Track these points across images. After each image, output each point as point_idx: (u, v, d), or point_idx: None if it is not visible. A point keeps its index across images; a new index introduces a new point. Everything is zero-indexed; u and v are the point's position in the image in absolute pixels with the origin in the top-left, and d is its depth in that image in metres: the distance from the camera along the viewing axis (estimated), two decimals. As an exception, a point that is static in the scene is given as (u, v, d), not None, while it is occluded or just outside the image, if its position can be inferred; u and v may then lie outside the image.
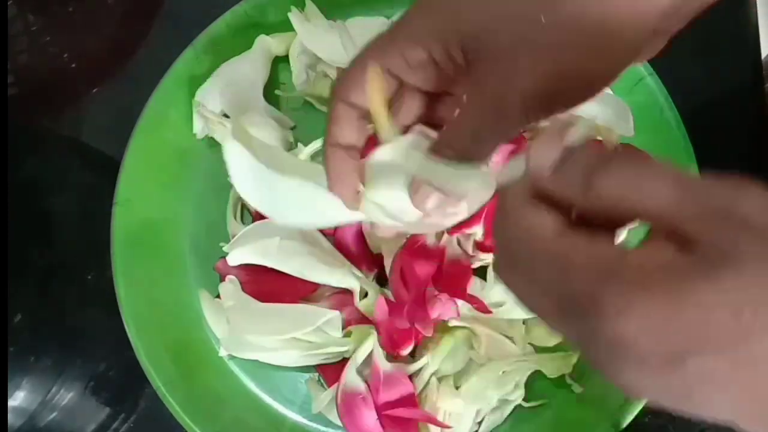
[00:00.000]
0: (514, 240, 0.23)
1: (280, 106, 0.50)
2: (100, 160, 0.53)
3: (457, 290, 0.42)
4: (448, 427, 0.43)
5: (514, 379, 0.44)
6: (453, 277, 0.43)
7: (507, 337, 0.45)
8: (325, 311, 0.43)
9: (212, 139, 0.48)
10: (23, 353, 0.48)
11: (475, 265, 0.44)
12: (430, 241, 0.44)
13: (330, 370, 0.45)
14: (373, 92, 0.30)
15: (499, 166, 0.34)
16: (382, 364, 0.43)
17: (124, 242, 0.46)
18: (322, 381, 0.46)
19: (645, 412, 0.42)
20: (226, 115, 0.48)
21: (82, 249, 0.51)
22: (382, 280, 0.45)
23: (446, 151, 0.30)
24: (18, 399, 0.47)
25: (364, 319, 0.44)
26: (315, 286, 0.45)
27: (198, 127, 0.48)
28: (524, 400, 0.45)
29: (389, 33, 0.30)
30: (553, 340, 0.45)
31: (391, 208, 0.33)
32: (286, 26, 0.48)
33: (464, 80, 0.30)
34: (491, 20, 0.28)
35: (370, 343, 0.43)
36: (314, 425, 0.46)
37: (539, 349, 0.46)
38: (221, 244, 0.45)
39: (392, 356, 0.44)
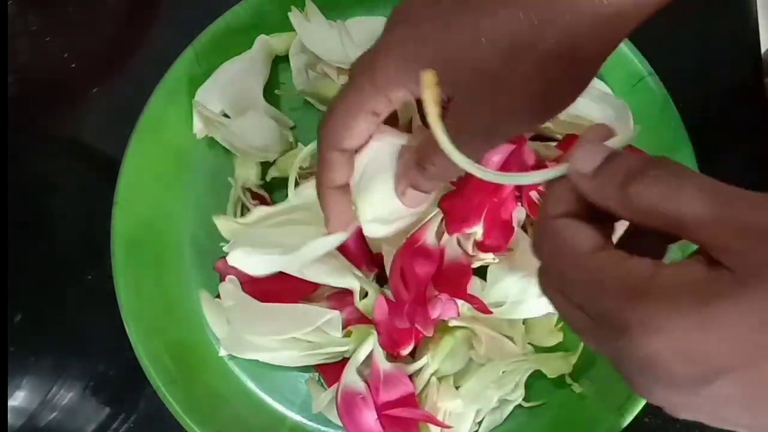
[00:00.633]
0: (552, 253, 0.23)
1: (280, 106, 0.50)
2: (100, 160, 0.53)
3: (457, 290, 0.42)
4: (448, 427, 0.43)
5: (514, 379, 0.44)
6: (453, 277, 0.43)
7: (507, 337, 0.45)
8: (325, 311, 0.43)
9: (212, 139, 0.48)
10: (23, 353, 0.48)
11: (475, 265, 0.44)
12: (431, 240, 0.43)
13: (330, 370, 0.45)
14: (429, 105, 0.28)
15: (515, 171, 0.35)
16: (382, 364, 0.43)
17: (124, 242, 0.46)
18: (322, 381, 0.46)
19: (645, 412, 0.42)
20: (226, 115, 0.48)
21: (82, 249, 0.51)
22: (382, 280, 0.45)
23: (430, 168, 0.32)
24: (18, 399, 0.47)
25: (364, 319, 0.44)
26: (315, 286, 0.45)
27: (198, 127, 0.48)
28: (524, 400, 0.45)
29: (370, 73, 0.30)
30: (553, 340, 0.45)
31: (385, 214, 0.33)
32: (286, 26, 0.48)
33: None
34: (470, 60, 0.27)
35: (370, 343, 0.43)
36: (314, 425, 0.46)
37: (539, 349, 0.46)
38: (221, 244, 0.45)
39: (392, 356, 0.44)
